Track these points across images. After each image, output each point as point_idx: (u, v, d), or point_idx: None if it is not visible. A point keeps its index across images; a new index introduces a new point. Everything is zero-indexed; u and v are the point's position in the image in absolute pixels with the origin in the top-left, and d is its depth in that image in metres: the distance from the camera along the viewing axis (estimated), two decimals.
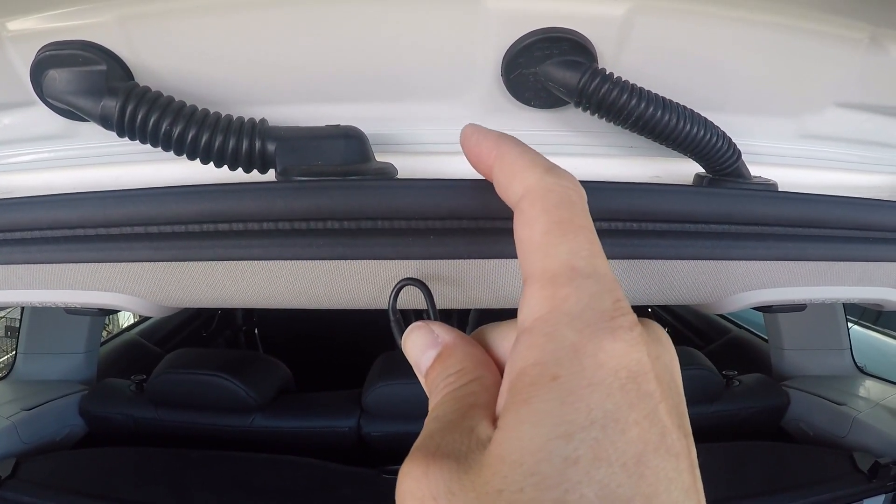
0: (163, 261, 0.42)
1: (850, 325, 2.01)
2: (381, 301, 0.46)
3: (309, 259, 0.41)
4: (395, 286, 0.38)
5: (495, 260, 0.43)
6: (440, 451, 0.22)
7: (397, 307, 0.39)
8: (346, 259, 0.41)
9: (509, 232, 0.37)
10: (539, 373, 0.22)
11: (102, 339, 2.15)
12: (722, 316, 2.64)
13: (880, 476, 1.32)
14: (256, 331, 2.98)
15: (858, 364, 1.94)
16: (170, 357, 1.62)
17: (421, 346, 0.30)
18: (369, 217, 0.39)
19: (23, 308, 1.71)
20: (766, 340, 2.09)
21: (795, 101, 0.58)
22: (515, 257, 0.43)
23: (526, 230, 0.25)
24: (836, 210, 0.47)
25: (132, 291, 0.46)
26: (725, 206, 0.44)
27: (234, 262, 0.42)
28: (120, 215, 0.40)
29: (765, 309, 0.59)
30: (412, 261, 0.42)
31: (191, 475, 1.30)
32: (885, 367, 2.00)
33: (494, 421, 0.24)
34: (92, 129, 0.53)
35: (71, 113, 0.50)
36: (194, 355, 1.68)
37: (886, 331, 2.88)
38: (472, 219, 0.39)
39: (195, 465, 1.35)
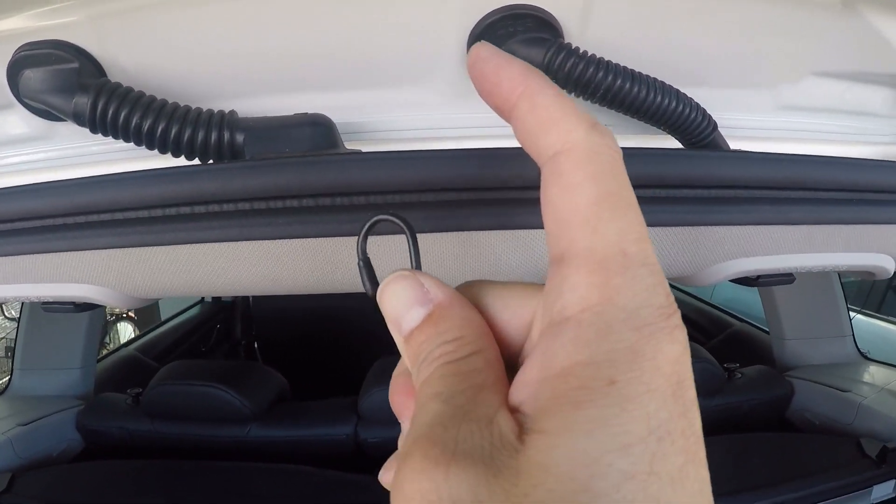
0: (127, 247, 0.42)
1: (853, 314, 1.98)
2: (346, 282, 0.44)
3: (269, 239, 0.41)
4: (369, 222, 0.31)
5: (456, 233, 0.42)
6: (461, 448, 0.20)
7: (367, 251, 0.32)
8: (305, 237, 0.40)
9: (473, 204, 0.36)
10: (592, 374, 0.19)
11: (101, 356, 2.15)
12: (723, 310, 2.63)
13: (889, 461, 1.29)
14: (256, 344, 2.96)
15: (862, 350, 1.92)
16: (165, 369, 1.60)
17: (406, 300, 0.25)
18: (325, 193, 0.38)
19: (18, 324, 1.71)
20: (767, 333, 2.07)
21: (771, 71, 0.57)
22: (482, 229, 0.43)
23: (566, 196, 0.21)
24: (819, 171, 0.46)
25: (100, 281, 0.46)
26: (700, 168, 0.43)
27: (197, 245, 0.42)
28: (84, 202, 0.40)
29: (750, 282, 0.57)
30: (373, 237, 0.41)
31: (186, 486, 1.29)
32: (890, 353, 1.98)
33: (511, 410, 0.21)
34: (68, 130, 0.54)
35: (47, 113, 0.50)
36: (189, 366, 1.67)
37: (890, 318, 2.87)
38: (431, 191, 0.39)
39: (190, 476, 1.33)
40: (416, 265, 0.30)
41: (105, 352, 2.36)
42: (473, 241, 0.43)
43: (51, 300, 0.50)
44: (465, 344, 0.24)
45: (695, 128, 0.53)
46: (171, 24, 0.46)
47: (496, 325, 0.26)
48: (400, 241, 0.42)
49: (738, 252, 0.48)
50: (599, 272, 0.20)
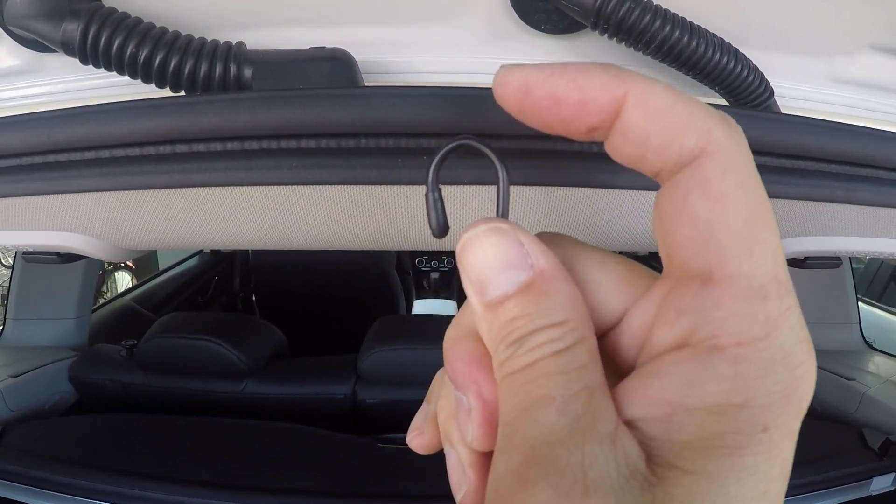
0: (115, 190, 0.37)
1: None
2: (367, 238, 0.39)
3: (280, 184, 0.36)
4: (450, 145, 0.24)
5: (487, 187, 0.36)
6: (590, 477, 0.17)
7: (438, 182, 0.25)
8: (322, 184, 0.35)
9: (527, 154, 0.30)
10: (749, 420, 0.18)
11: (97, 306, 2.12)
12: None
13: (891, 454, 1.29)
14: (254, 297, 2.94)
15: (867, 339, 1.90)
16: (160, 321, 1.58)
17: (498, 259, 0.21)
18: (350, 133, 0.33)
19: (12, 272, 1.68)
20: None
21: (827, 39, 0.53)
22: (536, 184, 0.38)
23: (716, 209, 0.18)
24: (892, 148, 0.41)
25: (84, 230, 0.41)
26: (775, 133, 0.38)
27: (195, 189, 0.37)
28: (63, 138, 0.35)
29: (797, 263, 0.54)
30: (402, 186, 0.36)
31: (178, 442, 1.27)
32: (890, 344, 1.97)
33: (625, 423, 0.19)
34: (58, 62, 0.50)
35: (35, 43, 0.46)
36: (185, 319, 1.64)
37: (890, 308, 2.88)
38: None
39: (183, 431, 1.31)
40: (504, 215, 0.24)
41: (101, 301, 2.34)
42: (557, 199, 0.37)
43: (29, 249, 0.45)
44: (570, 330, 0.20)
45: (751, 91, 0.48)
46: None
47: (589, 298, 0.22)
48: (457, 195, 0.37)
49: (798, 230, 0.44)
50: (759, 302, 0.18)
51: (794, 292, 0.19)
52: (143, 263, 3.72)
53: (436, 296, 3.20)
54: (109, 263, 3.72)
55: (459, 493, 0.24)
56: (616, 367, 0.22)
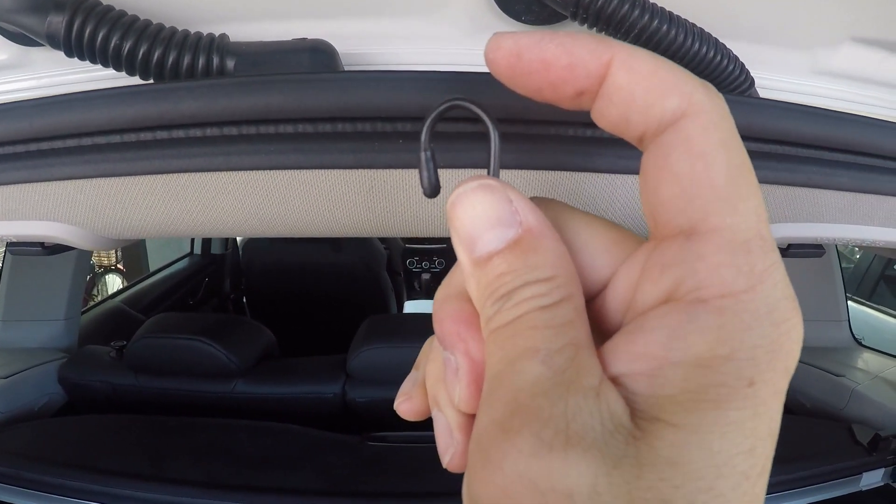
0: (97, 177, 0.37)
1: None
2: (346, 224, 0.40)
3: (258, 169, 0.36)
4: (443, 105, 0.25)
5: (477, 171, 0.37)
6: (573, 429, 0.18)
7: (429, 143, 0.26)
8: (300, 168, 0.35)
9: (504, 137, 0.31)
10: (734, 373, 0.18)
11: (87, 307, 2.12)
12: None
13: (880, 449, 1.30)
14: (244, 299, 2.94)
15: (856, 336, 1.92)
16: (150, 322, 1.57)
17: (488, 215, 0.21)
18: (326, 118, 0.33)
19: (0, 274, 1.67)
20: None
21: (809, 31, 0.53)
22: (513, 167, 0.38)
23: (698, 166, 0.19)
24: (874, 134, 0.42)
25: (67, 218, 0.41)
26: (749, 116, 0.38)
27: (176, 175, 0.37)
28: (46, 125, 0.35)
29: (780, 251, 0.54)
30: (378, 170, 0.36)
31: (169, 442, 1.27)
32: (880, 343, 1.99)
33: (610, 379, 0.19)
34: (44, 56, 0.50)
35: (22, 37, 0.46)
36: (174, 320, 1.64)
37: (880, 307, 2.90)
38: (451, 120, 0.33)
39: (174, 432, 1.31)
40: (495, 174, 0.24)
41: (91, 303, 2.33)
42: (533, 182, 0.37)
43: (12, 239, 0.45)
44: (557, 286, 0.20)
45: (731, 81, 0.48)
46: None
47: (578, 258, 0.22)
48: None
49: (779, 216, 0.44)
50: (743, 255, 0.19)
51: (778, 251, 0.19)
52: (134, 265, 3.71)
53: (427, 297, 3.20)
54: (100, 266, 3.71)
55: (447, 457, 0.24)
56: (603, 330, 0.22)
